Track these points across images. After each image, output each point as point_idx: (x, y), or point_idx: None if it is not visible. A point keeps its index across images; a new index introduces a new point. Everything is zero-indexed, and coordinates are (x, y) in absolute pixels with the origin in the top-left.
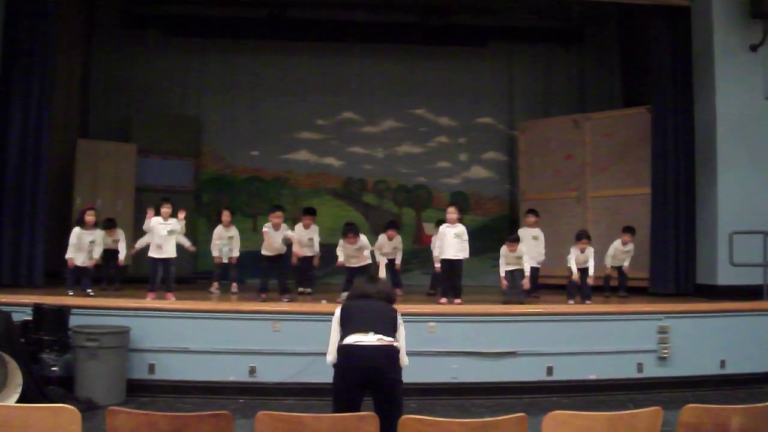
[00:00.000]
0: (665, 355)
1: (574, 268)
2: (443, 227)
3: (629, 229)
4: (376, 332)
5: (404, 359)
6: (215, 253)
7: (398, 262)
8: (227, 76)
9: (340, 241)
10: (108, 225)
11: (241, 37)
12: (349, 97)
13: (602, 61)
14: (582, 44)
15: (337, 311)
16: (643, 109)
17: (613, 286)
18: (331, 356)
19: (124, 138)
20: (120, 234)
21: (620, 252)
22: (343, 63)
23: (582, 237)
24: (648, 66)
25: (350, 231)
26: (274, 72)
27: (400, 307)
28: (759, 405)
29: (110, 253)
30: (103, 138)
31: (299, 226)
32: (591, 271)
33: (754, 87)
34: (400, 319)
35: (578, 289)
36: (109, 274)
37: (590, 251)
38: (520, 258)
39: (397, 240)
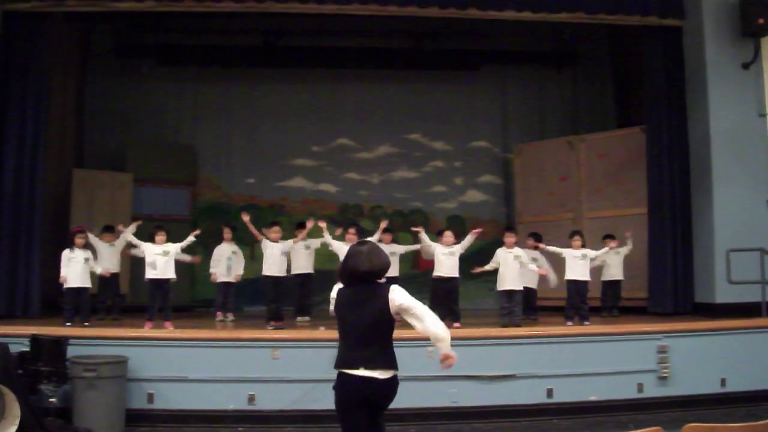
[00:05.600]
0: (665, 375)
1: (569, 271)
2: (438, 247)
3: (609, 236)
4: (367, 368)
5: (423, 311)
6: (213, 270)
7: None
8: (222, 104)
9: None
10: (107, 229)
11: (235, 65)
12: (343, 124)
13: (595, 82)
14: (575, 65)
15: (334, 293)
16: (638, 129)
17: (610, 306)
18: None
19: (119, 167)
20: (117, 242)
21: (610, 255)
22: (337, 89)
23: (575, 234)
24: (641, 85)
25: (352, 226)
26: (268, 99)
27: (397, 333)
28: (760, 423)
29: (106, 281)
30: (98, 167)
31: (291, 240)
32: (596, 253)
33: (747, 104)
34: (397, 291)
35: (576, 310)
36: (106, 304)
37: (587, 251)
38: (518, 257)
39: (395, 246)
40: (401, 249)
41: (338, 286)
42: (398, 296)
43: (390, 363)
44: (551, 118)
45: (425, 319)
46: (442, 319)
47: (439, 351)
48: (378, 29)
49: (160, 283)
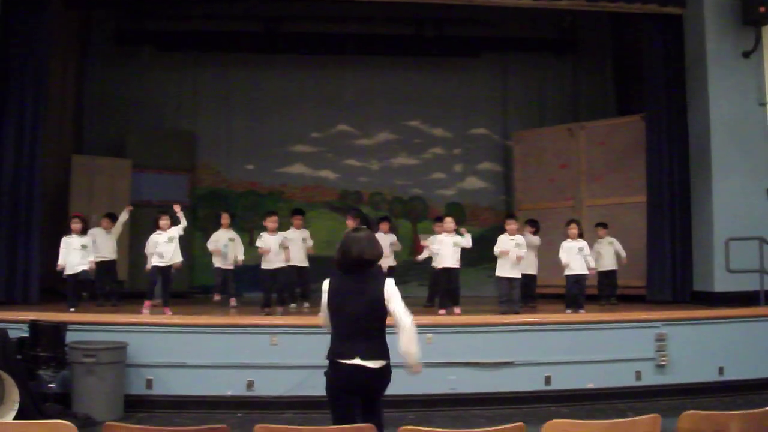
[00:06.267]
0: (663, 363)
1: (565, 259)
2: (442, 237)
3: (601, 224)
4: (363, 358)
5: (405, 323)
6: (212, 247)
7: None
8: (222, 90)
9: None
10: (107, 216)
11: (235, 51)
12: (343, 110)
13: (596, 70)
14: (575, 53)
15: (325, 285)
16: (638, 117)
17: (608, 295)
18: (324, 324)
19: (119, 153)
20: (114, 229)
21: (604, 245)
22: (337, 76)
23: (571, 222)
24: (641, 74)
25: (352, 210)
26: (268, 85)
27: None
28: (757, 410)
29: (105, 266)
30: (97, 153)
31: (291, 230)
32: (591, 263)
33: (748, 93)
34: (391, 290)
35: (574, 298)
36: (104, 290)
37: (583, 243)
38: (519, 245)
39: (393, 237)
40: (398, 246)
41: (327, 280)
42: (391, 296)
43: (383, 353)
44: (551, 105)
45: (405, 333)
46: (442, 306)
47: (408, 361)
48: (379, 15)
49: (164, 270)
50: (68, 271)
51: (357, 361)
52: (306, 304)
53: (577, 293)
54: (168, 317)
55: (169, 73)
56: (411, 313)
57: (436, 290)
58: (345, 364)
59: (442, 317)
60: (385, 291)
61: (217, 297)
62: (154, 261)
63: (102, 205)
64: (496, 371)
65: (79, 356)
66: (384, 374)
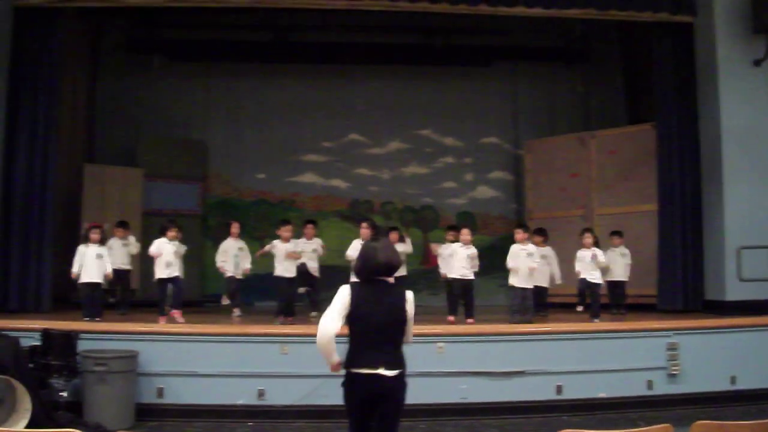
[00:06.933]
0: (675, 372)
1: (582, 271)
2: (457, 246)
3: (616, 233)
4: (387, 367)
5: (409, 336)
6: (219, 263)
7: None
8: (232, 100)
9: (354, 242)
10: (120, 225)
11: (245, 61)
12: (354, 119)
13: (606, 79)
14: (586, 62)
15: (345, 292)
16: (648, 125)
17: (617, 304)
18: (328, 325)
19: (130, 162)
20: (132, 239)
21: (617, 256)
22: (348, 85)
23: (586, 231)
24: (652, 82)
25: (365, 220)
26: (279, 95)
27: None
28: None
29: (118, 276)
30: (109, 162)
31: (302, 240)
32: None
33: (759, 101)
34: (410, 304)
35: (588, 307)
36: (116, 299)
37: (598, 252)
38: (531, 255)
39: (402, 246)
40: (408, 248)
41: (346, 287)
42: (412, 305)
43: (402, 361)
44: (562, 114)
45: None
46: (452, 313)
47: None
48: (389, 25)
49: (173, 280)
50: (84, 279)
51: (381, 370)
52: (314, 313)
53: (592, 302)
54: (179, 326)
55: (179, 82)
56: (418, 323)
57: (453, 298)
58: (365, 374)
59: (453, 326)
60: (407, 304)
61: (225, 300)
62: (160, 273)
63: (114, 214)
64: (508, 380)
65: (91, 365)
66: (401, 382)
